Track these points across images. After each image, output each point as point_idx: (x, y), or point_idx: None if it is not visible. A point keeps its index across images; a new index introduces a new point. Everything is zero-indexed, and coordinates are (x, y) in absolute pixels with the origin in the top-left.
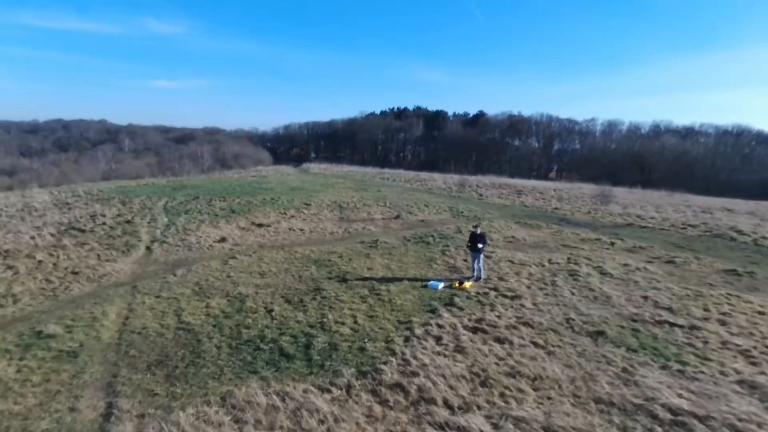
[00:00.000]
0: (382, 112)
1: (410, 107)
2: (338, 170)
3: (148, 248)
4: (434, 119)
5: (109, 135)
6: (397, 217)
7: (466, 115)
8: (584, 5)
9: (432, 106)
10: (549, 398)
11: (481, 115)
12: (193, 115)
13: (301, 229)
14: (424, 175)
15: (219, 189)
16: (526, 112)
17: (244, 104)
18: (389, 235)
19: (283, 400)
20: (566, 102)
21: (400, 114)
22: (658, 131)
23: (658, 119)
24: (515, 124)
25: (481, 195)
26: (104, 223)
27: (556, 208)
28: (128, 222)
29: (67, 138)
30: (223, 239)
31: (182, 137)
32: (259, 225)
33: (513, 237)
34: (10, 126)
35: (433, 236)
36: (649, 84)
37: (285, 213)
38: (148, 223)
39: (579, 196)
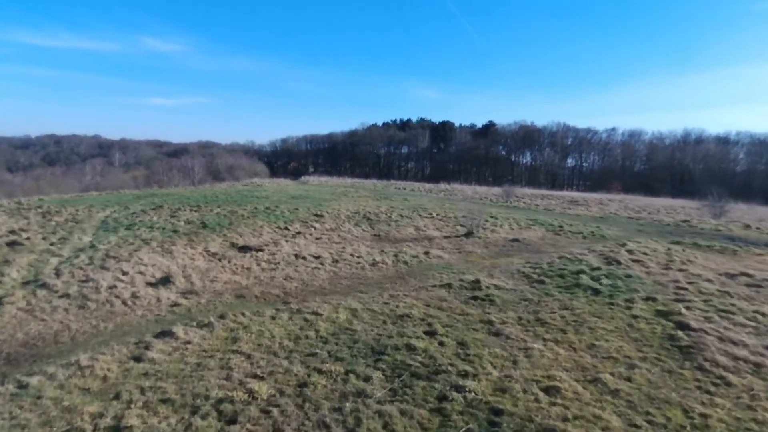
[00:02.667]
0: (385, 124)
1: (414, 118)
2: (342, 182)
3: None
4: (440, 130)
5: (100, 149)
6: (469, 234)
7: (473, 126)
8: (586, 22)
9: (435, 118)
10: None
11: (490, 125)
12: (189, 131)
13: (317, 257)
14: (444, 185)
15: (197, 197)
16: (539, 123)
17: (240, 119)
18: (479, 266)
19: None
20: (580, 117)
21: (403, 125)
22: (688, 140)
23: (690, 127)
24: (529, 134)
25: (537, 205)
26: None
27: (685, 220)
28: (13, 243)
29: (57, 153)
30: (165, 280)
31: (175, 151)
32: (243, 248)
33: (744, 274)
34: (1, 141)
35: (584, 273)
36: (656, 99)
37: (287, 228)
38: (51, 244)
39: (660, 207)
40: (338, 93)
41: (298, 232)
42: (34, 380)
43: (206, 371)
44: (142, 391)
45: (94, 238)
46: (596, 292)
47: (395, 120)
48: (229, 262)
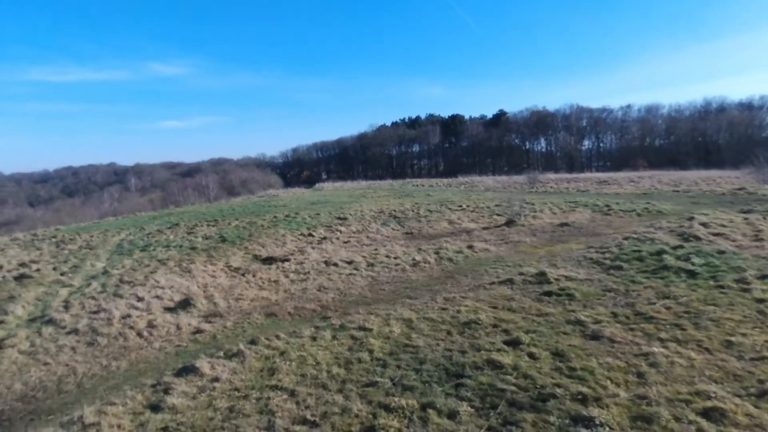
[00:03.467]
0: (394, 124)
1: (423, 115)
2: (357, 185)
3: None
4: (450, 125)
5: (116, 176)
6: (510, 222)
7: (483, 117)
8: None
9: (444, 113)
10: None
11: (501, 114)
12: (201, 150)
13: (349, 262)
14: (462, 178)
15: (213, 212)
16: (552, 107)
17: (250, 134)
18: (534, 256)
19: None
20: (594, 99)
21: (413, 123)
22: (709, 109)
23: (710, 96)
24: (542, 120)
25: (566, 188)
26: None
27: (740, 188)
28: (21, 277)
29: (75, 184)
30: (184, 303)
31: (189, 171)
32: (267, 260)
33: None
34: (22, 178)
35: (666, 252)
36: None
37: (311, 234)
38: (62, 274)
39: (696, 179)
40: (344, 98)
41: (324, 238)
42: None
43: (241, 419)
44: None
45: (108, 263)
46: (692, 274)
47: (404, 119)
48: (253, 276)
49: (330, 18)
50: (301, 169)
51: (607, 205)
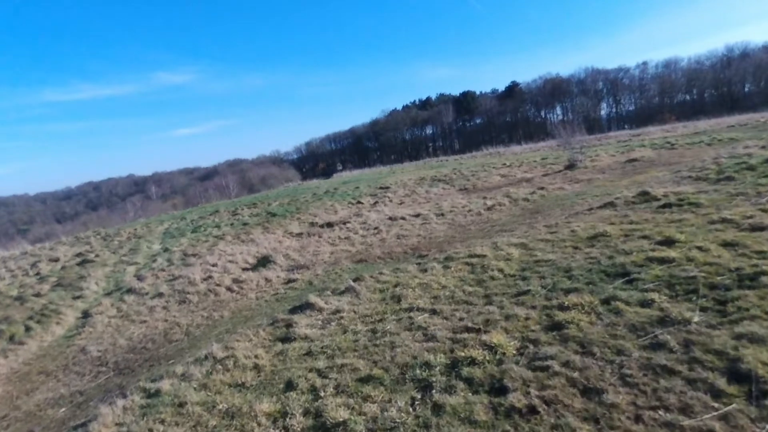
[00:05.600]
0: (405, 107)
1: (433, 96)
2: (378, 170)
3: (84, 315)
4: (462, 102)
5: (136, 186)
6: (572, 166)
7: (495, 91)
8: None
9: (455, 91)
10: None
11: (514, 85)
12: (216, 153)
13: (416, 215)
14: (487, 149)
15: (247, 200)
16: (565, 73)
17: (263, 132)
18: (618, 186)
19: None
20: (610, 61)
21: (424, 104)
22: (732, 56)
23: (731, 43)
24: (557, 86)
25: (599, 142)
26: (38, 273)
27: None
28: (83, 262)
29: (97, 197)
30: (264, 261)
31: (206, 174)
32: (326, 225)
33: None
34: (46, 197)
35: None
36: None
37: (359, 202)
38: (122, 257)
39: (737, 123)
40: (353, 87)
41: (375, 203)
42: (164, 385)
43: (390, 337)
44: (320, 373)
45: (163, 245)
46: None
47: (415, 101)
48: (320, 237)
49: (329, 10)
50: (316, 161)
51: (669, 142)
